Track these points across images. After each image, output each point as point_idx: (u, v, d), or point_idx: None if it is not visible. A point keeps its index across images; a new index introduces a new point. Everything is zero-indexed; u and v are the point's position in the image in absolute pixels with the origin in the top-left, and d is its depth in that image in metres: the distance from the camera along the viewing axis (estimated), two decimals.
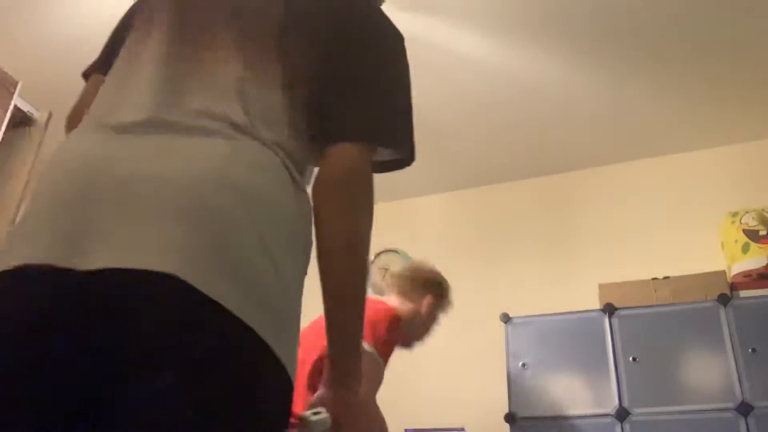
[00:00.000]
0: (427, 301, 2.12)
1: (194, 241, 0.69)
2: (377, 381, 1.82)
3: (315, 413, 0.86)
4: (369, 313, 1.81)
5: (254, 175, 0.76)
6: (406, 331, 2.07)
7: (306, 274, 0.85)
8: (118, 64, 0.90)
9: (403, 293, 2.12)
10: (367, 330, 1.78)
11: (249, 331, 0.67)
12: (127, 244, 0.68)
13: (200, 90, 0.81)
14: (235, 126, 0.78)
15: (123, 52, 0.91)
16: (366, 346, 1.75)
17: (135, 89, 0.82)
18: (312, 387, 1.80)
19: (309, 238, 0.85)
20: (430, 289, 2.15)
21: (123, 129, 0.78)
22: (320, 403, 0.89)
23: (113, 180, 0.72)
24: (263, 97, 0.82)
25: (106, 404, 0.64)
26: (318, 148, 0.85)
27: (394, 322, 1.94)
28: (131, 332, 0.65)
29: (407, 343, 2.16)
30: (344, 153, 0.83)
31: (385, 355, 1.86)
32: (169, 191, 0.71)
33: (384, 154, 0.91)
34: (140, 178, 0.72)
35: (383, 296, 2.18)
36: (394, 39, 0.94)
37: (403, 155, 0.94)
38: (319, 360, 1.81)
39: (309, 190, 0.87)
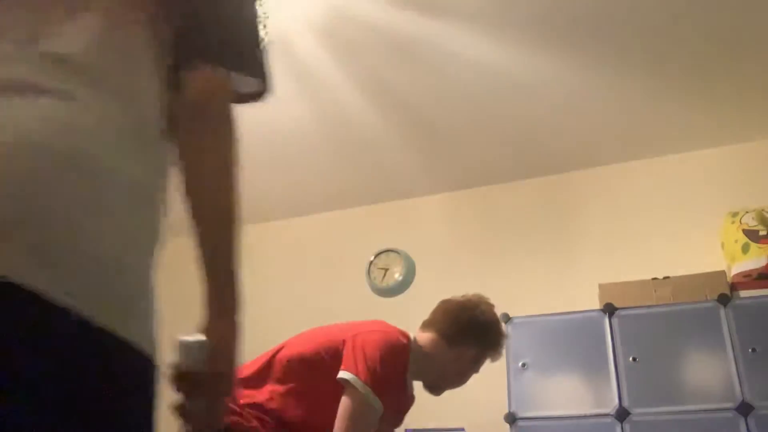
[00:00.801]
0: (470, 353, 1.85)
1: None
2: (365, 425, 1.65)
3: (191, 336, 0.84)
4: (359, 339, 1.73)
5: (82, 135, 0.69)
6: (427, 371, 1.85)
7: (159, 240, 0.79)
8: None
9: (444, 336, 1.84)
10: (350, 360, 1.67)
11: (65, 312, 0.60)
12: None
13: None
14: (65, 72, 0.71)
15: None
16: (357, 382, 1.64)
17: None
18: (278, 380, 1.73)
19: (157, 196, 0.80)
20: (475, 339, 1.85)
21: None
22: (199, 327, 0.87)
23: None
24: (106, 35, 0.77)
25: None
26: (174, 82, 0.84)
27: (391, 353, 1.72)
28: None
29: (432, 387, 1.91)
30: (199, 77, 0.83)
31: (381, 393, 1.65)
32: None
33: (244, 85, 0.92)
34: None
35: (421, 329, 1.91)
36: None
37: (259, 84, 0.95)
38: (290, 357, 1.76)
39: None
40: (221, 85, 0.86)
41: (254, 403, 1.69)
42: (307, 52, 2.77)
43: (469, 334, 1.85)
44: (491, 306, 1.93)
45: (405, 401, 1.91)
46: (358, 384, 1.64)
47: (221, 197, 0.84)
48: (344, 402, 1.64)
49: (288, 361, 1.76)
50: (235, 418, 1.65)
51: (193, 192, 0.83)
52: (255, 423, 1.64)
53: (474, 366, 1.90)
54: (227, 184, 0.84)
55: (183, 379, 0.81)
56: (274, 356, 1.80)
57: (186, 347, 0.83)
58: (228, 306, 0.86)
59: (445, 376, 1.89)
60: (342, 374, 1.67)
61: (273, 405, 1.68)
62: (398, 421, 1.93)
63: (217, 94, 0.85)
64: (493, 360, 1.93)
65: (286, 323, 3.39)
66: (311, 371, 1.73)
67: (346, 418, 1.62)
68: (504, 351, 1.94)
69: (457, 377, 1.91)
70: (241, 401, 1.69)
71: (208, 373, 0.82)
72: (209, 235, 0.84)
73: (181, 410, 0.82)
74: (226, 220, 0.84)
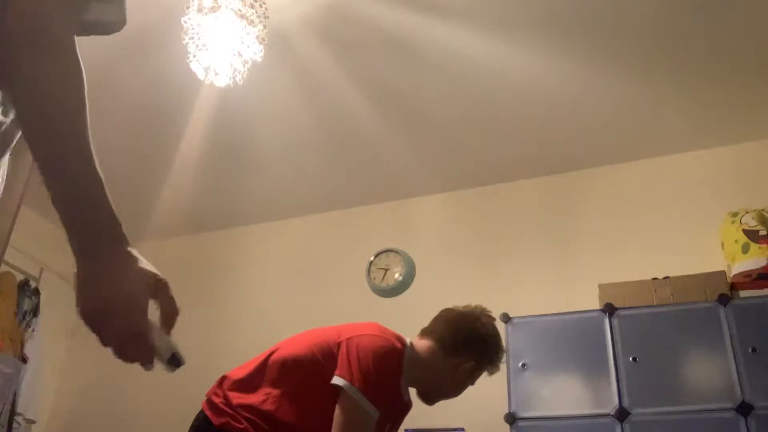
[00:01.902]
0: (468, 365, 1.84)
1: None
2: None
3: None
4: (353, 343, 1.70)
5: None
6: (422, 378, 1.83)
7: None
8: None
9: (442, 346, 1.84)
10: (344, 365, 1.66)
11: None
12: None
13: None
14: None
15: None
16: (351, 388, 1.62)
17: None
18: (272, 382, 1.72)
19: None
20: (474, 352, 1.85)
21: None
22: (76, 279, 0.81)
23: None
24: None
25: None
26: None
27: (385, 358, 1.70)
28: None
29: (425, 395, 1.91)
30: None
31: (376, 399, 1.63)
32: None
33: (99, 13, 0.83)
34: None
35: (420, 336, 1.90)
36: None
37: (116, 12, 0.87)
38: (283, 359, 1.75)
39: None
40: (42, 4, 0.73)
41: (248, 404, 1.67)
42: (307, 52, 2.77)
43: (468, 346, 1.85)
44: (492, 319, 1.94)
45: (401, 407, 1.89)
46: (352, 390, 1.62)
47: (65, 131, 0.75)
48: (339, 410, 1.63)
49: (282, 362, 1.75)
50: (225, 419, 1.65)
51: (32, 131, 0.74)
52: (245, 424, 1.63)
53: (470, 378, 1.89)
54: (68, 118, 0.75)
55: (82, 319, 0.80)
56: (268, 358, 1.79)
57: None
58: (91, 247, 0.78)
59: (440, 386, 1.88)
60: (336, 380, 1.65)
61: (267, 406, 1.67)
62: (395, 426, 1.90)
63: (40, 18, 0.73)
64: (491, 374, 1.91)
65: (286, 323, 3.39)
66: (306, 373, 1.71)
67: (341, 427, 1.61)
68: (501, 365, 1.93)
69: (452, 388, 1.90)
70: (234, 402, 1.68)
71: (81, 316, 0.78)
72: (57, 179, 0.74)
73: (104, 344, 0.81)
74: (74, 158, 0.75)
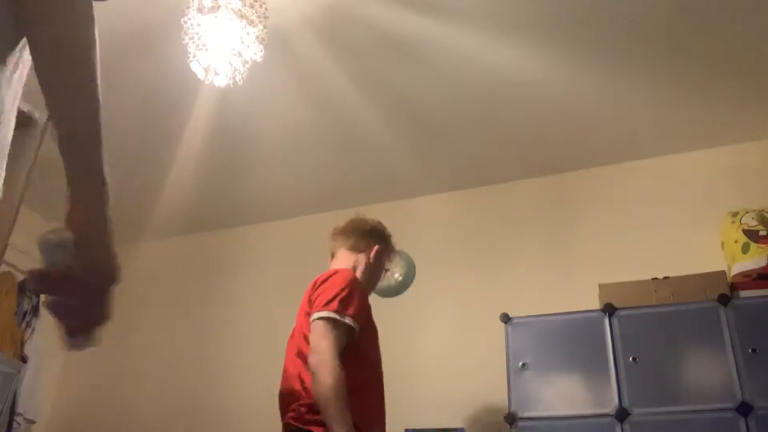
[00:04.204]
0: (374, 250, 2.20)
1: None
2: (335, 339, 1.78)
3: (53, 233, 0.77)
4: (327, 284, 1.92)
5: None
6: (365, 281, 2.15)
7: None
8: None
9: (352, 247, 2.20)
10: (324, 298, 1.87)
11: None
12: None
13: None
14: None
15: None
16: (323, 312, 1.82)
17: None
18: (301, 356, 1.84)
19: None
20: (376, 239, 2.23)
21: None
22: (65, 223, 0.80)
23: None
24: None
25: None
26: None
27: (354, 282, 1.97)
28: None
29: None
30: None
31: (359, 318, 1.87)
32: None
33: None
34: None
35: (333, 258, 2.25)
36: None
37: None
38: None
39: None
40: None
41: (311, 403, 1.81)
42: (307, 52, 2.77)
43: (372, 236, 2.24)
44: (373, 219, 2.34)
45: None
46: (324, 313, 1.80)
47: (78, 81, 0.78)
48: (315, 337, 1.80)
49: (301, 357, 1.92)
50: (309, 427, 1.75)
51: (48, 78, 0.77)
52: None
53: (381, 262, 2.25)
54: (83, 68, 0.79)
55: (45, 279, 0.75)
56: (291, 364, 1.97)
57: (47, 244, 0.75)
58: (93, 194, 0.79)
59: (370, 278, 2.20)
60: (313, 316, 1.83)
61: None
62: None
63: None
64: (391, 254, 2.32)
65: (286, 323, 3.39)
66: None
67: (316, 340, 1.77)
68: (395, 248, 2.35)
69: (374, 277, 2.23)
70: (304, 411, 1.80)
71: (79, 267, 0.76)
72: (68, 121, 0.78)
73: (54, 308, 0.76)
74: (85, 105, 0.79)
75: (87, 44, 0.79)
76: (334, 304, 1.81)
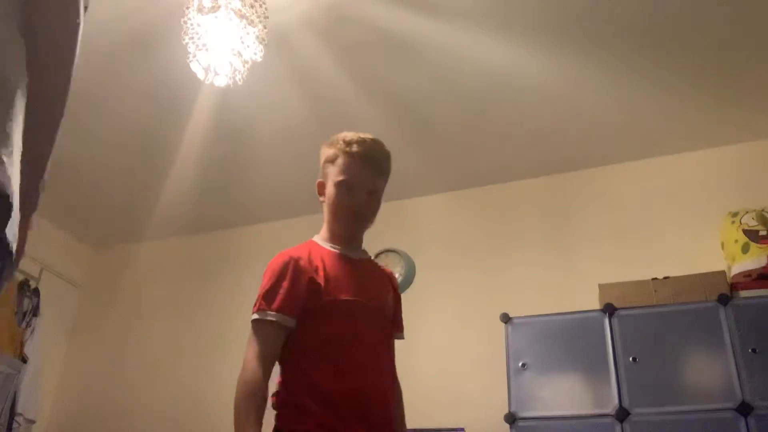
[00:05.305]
0: (331, 170, 1.72)
1: None
2: (263, 342, 1.52)
3: None
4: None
5: None
6: (330, 218, 1.75)
7: None
8: None
9: (318, 191, 1.76)
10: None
11: None
12: None
13: None
14: None
15: None
16: (253, 315, 1.55)
17: None
18: None
19: None
20: (323, 160, 1.76)
21: None
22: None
23: None
24: None
25: None
26: None
27: (272, 265, 1.61)
28: None
29: (350, 227, 1.76)
30: None
31: (278, 302, 1.53)
32: None
33: None
34: None
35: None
36: None
37: None
38: None
39: None
40: None
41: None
42: (307, 52, 2.77)
43: (322, 163, 1.76)
44: None
45: (370, 277, 1.72)
46: (253, 317, 1.53)
47: (59, 69, 0.84)
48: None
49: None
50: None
51: (35, 63, 0.80)
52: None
53: (340, 176, 1.69)
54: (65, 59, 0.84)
55: None
56: None
57: None
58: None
59: (335, 208, 1.71)
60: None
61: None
62: (380, 311, 1.68)
63: None
64: (348, 155, 1.70)
65: None
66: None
67: (247, 348, 1.51)
68: (353, 146, 1.72)
69: (343, 201, 1.69)
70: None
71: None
72: (44, 108, 0.83)
73: None
74: (60, 94, 0.85)
75: (68, 41, 0.84)
76: (257, 303, 1.55)
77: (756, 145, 3.20)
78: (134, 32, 2.66)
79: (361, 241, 1.80)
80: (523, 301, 3.14)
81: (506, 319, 2.79)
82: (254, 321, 1.54)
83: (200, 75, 2.29)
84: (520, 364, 2.67)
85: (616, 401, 2.47)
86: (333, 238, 1.74)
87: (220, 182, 3.76)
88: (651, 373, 2.48)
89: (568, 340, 2.68)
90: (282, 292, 1.54)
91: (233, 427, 1.44)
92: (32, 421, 3.60)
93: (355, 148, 1.71)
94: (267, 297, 1.54)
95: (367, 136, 1.77)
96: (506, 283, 3.35)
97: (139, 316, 4.16)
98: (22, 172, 0.77)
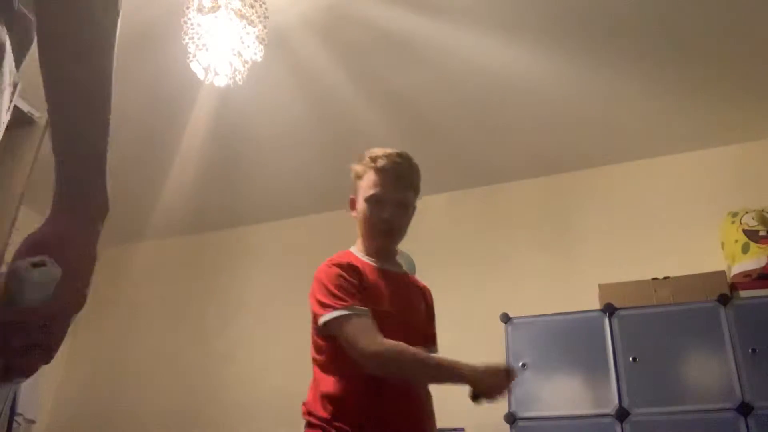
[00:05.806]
0: (359, 185, 1.78)
1: None
2: (361, 329, 1.52)
3: (35, 264, 0.62)
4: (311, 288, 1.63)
5: None
6: (365, 235, 1.78)
7: None
8: None
9: (351, 207, 1.81)
10: (314, 306, 1.62)
11: None
12: None
13: None
14: None
15: None
16: (328, 316, 1.56)
17: None
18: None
19: None
20: (355, 178, 1.80)
21: None
22: (40, 240, 0.64)
23: None
24: None
25: None
26: None
27: (329, 266, 1.67)
28: None
29: (377, 237, 1.79)
30: None
31: (353, 298, 1.57)
32: None
33: None
34: None
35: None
36: None
37: None
38: None
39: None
40: None
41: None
42: (307, 52, 2.77)
43: (354, 181, 1.82)
44: None
45: (404, 291, 1.76)
46: (330, 317, 1.52)
47: (82, 71, 0.70)
48: (339, 338, 1.52)
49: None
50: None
51: (51, 64, 0.70)
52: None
53: (370, 190, 1.76)
54: (90, 59, 0.71)
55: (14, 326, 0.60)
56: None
57: (25, 280, 0.60)
58: (84, 198, 0.68)
59: (368, 225, 1.77)
60: (320, 321, 1.55)
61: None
62: (414, 324, 1.73)
63: None
64: (378, 168, 1.75)
65: (286, 323, 3.38)
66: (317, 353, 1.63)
67: (347, 341, 1.49)
68: (379, 161, 1.78)
69: (373, 217, 1.76)
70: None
71: (57, 307, 0.63)
72: (65, 112, 0.70)
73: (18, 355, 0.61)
74: (87, 98, 0.70)
75: (93, 43, 0.71)
76: (326, 306, 1.59)
77: (756, 145, 3.20)
78: (134, 32, 2.66)
79: (394, 254, 1.84)
80: (523, 301, 3.14)
81: (506, 319, 2.79)
82: (334, 320, 1.51)
83: (200, 75, 2.29)
84: (520, 364, 2.67)
85: (616, 401, 2.47)
86: (368, 251, 1.78)
87: (220, 182, 3.76)
88: (651, 373, 2.48)
89: (568, 340, 2.68)
90: (348, 287, 1.56)
91: (438, 381, 1.55)
92: (32, 421, 3.60)
93: (381, 162, 1.77)
94: (337, 296, 1.54)
95: (394, 150, 1.83)
96: (506, 283, 3.35)
97: (139, 316, 4.16)
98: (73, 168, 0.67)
